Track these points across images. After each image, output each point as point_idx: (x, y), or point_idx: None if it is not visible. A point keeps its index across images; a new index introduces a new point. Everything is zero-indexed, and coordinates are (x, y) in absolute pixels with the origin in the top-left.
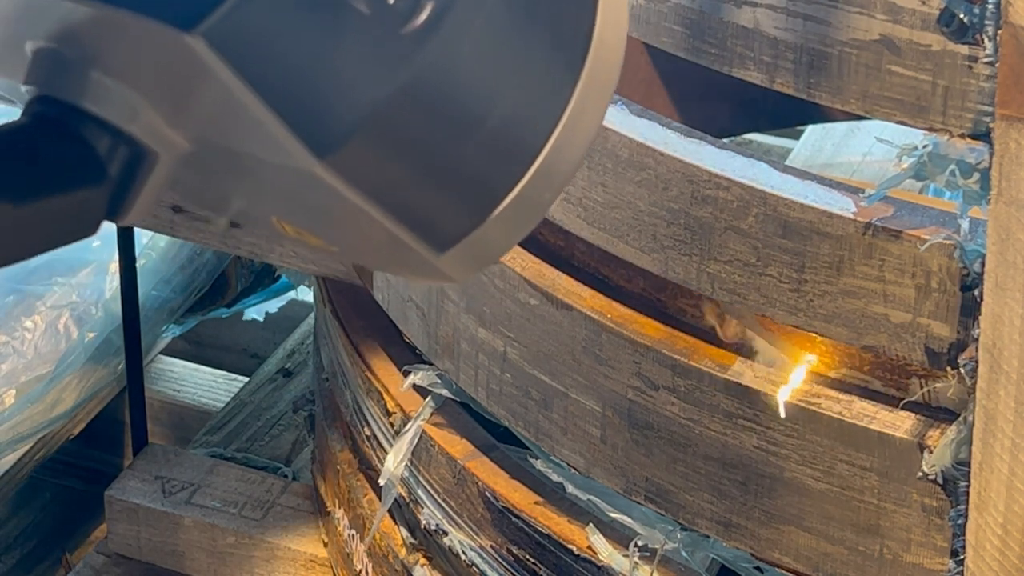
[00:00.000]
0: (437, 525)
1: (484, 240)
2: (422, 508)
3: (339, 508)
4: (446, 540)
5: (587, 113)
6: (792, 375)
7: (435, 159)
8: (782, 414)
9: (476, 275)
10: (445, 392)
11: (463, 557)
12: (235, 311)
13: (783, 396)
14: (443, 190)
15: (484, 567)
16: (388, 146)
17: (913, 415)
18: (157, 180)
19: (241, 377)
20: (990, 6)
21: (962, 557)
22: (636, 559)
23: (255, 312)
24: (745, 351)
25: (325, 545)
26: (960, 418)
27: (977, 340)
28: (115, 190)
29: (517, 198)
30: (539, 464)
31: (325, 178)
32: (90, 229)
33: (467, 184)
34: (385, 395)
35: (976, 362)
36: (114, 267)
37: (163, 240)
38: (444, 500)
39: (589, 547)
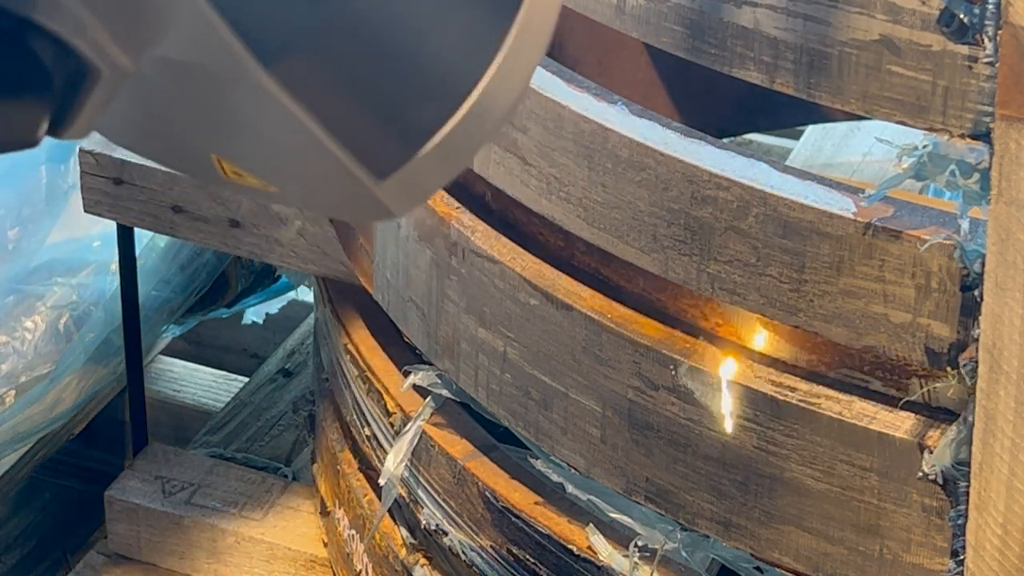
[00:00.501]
0: (437, 525)
1: (420, 172)
2: (422, 508)
3: (339, 508)
4: (446, 540)
5: (520, 60)
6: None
7: (371, 85)
8: (728, 428)
9: (413, 210)
10: (445, 392)
11: (463, 557)
12: (235, 311)
13: (727, 410)
14: (380, 117)
15: (484, 567)
16: (328, 65)
17: (913, 415)
18: (99, 97)
19: (241, 377)
20: (990, 6)
21: (962, 557)
22: (636, 559)
23: (253, 314)
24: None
25: (325, 545)
26: (960, 418)
27: (977, 340)
28: (59, 103)
29: (449, 135)
30: (539, 464)
31: (269, 87)
32: (32, 139)
33: (401, 114)
34: (385, 395)
35: (976, 362)
36: (114, 267)
37: (163, 240)
38: (444, 500)
39: (589, 547)
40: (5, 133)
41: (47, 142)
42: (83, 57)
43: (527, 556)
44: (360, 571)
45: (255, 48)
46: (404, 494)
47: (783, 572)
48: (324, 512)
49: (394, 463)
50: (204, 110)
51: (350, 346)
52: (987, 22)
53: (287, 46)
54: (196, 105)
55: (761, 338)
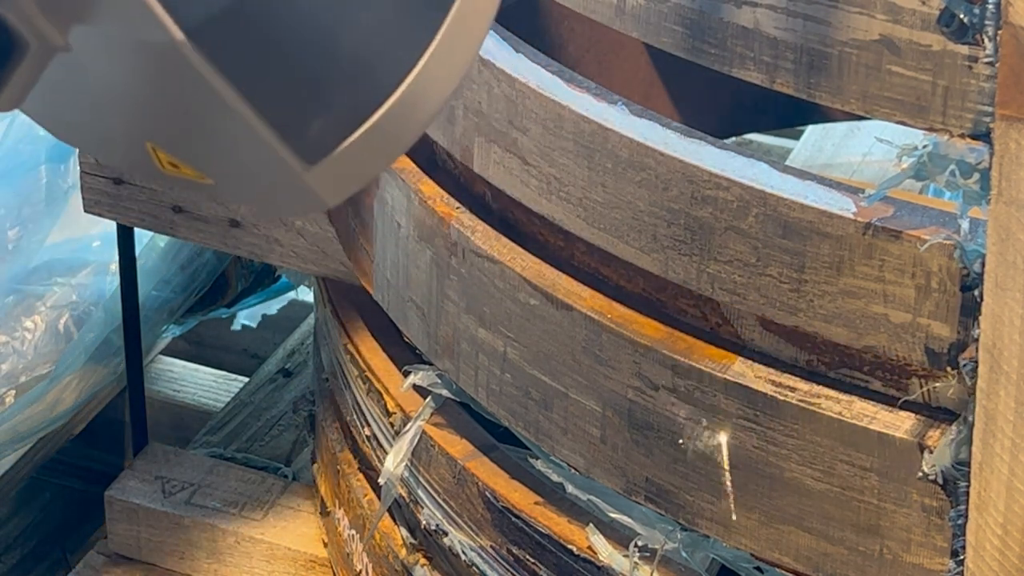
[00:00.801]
0: (437, 525)
1: (350, 159)
2: (422, 508)
3: (339, 508)
4: (446, 540)
5: (455, 50)
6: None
7: (299, 69)
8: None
9: (344, 198)
10: (445, 392)
11: (463, 557)
12: (235, 311)
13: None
14: (309, 101)
15: (484, 567)
16: (253, 44)
17: (913, 415)
18: (27, 71)
19: (241, 377)
20: (990, 6)
21: (962, 557)
22: (636, 559)
23: (245, 318)
24: None
25: (325, 545)
26: (960, 418)
27: (977, 340)
28: None
29: (379, 123)
30: (539, 464)
31: (191, 58)
32: None
33: (331, 101)
34: (385, 395)
35: (976, 362)
36: (114, 267)
37: (163, 240)
38: (444, 500)
39: (589, 547)
40: None
41: (47, 142)
42: (10, 28)
43: (527, 556)
44: (360, 571)
45: (178, 17)
46: (404, 494)
47: (783, 572)
48: (324, 512)
49: (394, 463)
50: (137, 93)
51: (350, 346)
52: (987, 22)
53: (210, 19)
54: (129, 88)
55: (761, 338)
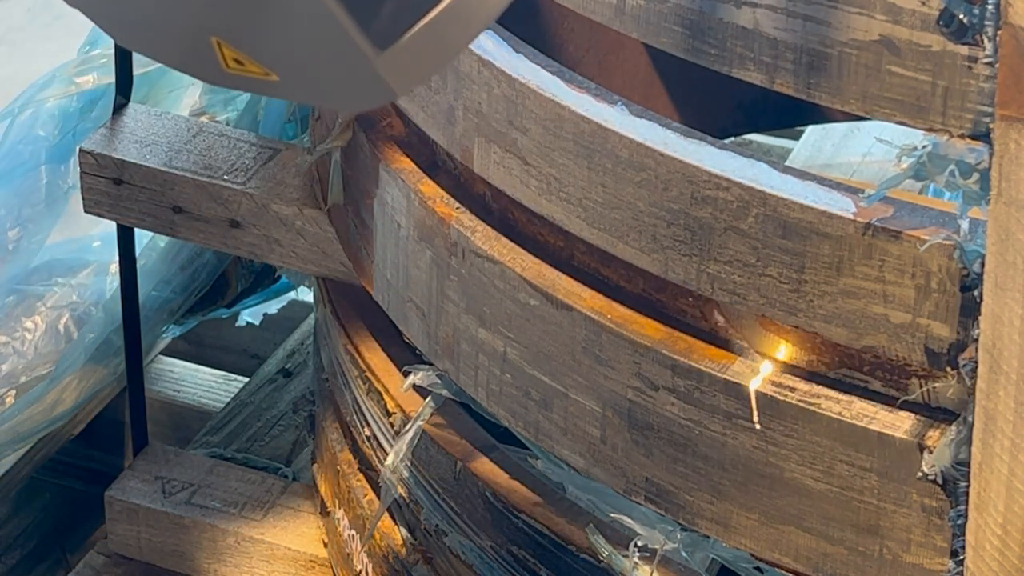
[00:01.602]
0: (437, 525)
1: (418, 46)
2: (422, 508)
3: (339, 508)
4: (446, 540)
5: None
6: (762, 366)
7: None
8: (755, 414)
9: (412, 88)
10: (445, 392)
11: (463, 557)
12: (235, 311)
13: (754, 386)
14: None
15: (484, 567)
16: None
17: (913, 415)
18: None
19: (241, 378)
20: (990, 6)
21: (962, 557)
22: (636, 559)
23: (248, 316)
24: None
25: (325, 545)
26: (960, 418)
27: (977, 340)
28: None
29: (445, 12)
30: (539, 464)
31: None
32: None
33: None
34: (385, 395)
35: (976, 362)
36: (114, 268)
37: (163, 241)
38: (444, 500)
39: (589, 547)
40: None
41: (47, 142)
42: None
43: (527, 556)
44: (360, 571)
45: None
46: (404, 494)
47: (783, 572)
48: (324, 512)
49: (394, 463)
50: None
51: (350, 346)
52: (987, 22)
53: None
54: None
55: (761, 338)
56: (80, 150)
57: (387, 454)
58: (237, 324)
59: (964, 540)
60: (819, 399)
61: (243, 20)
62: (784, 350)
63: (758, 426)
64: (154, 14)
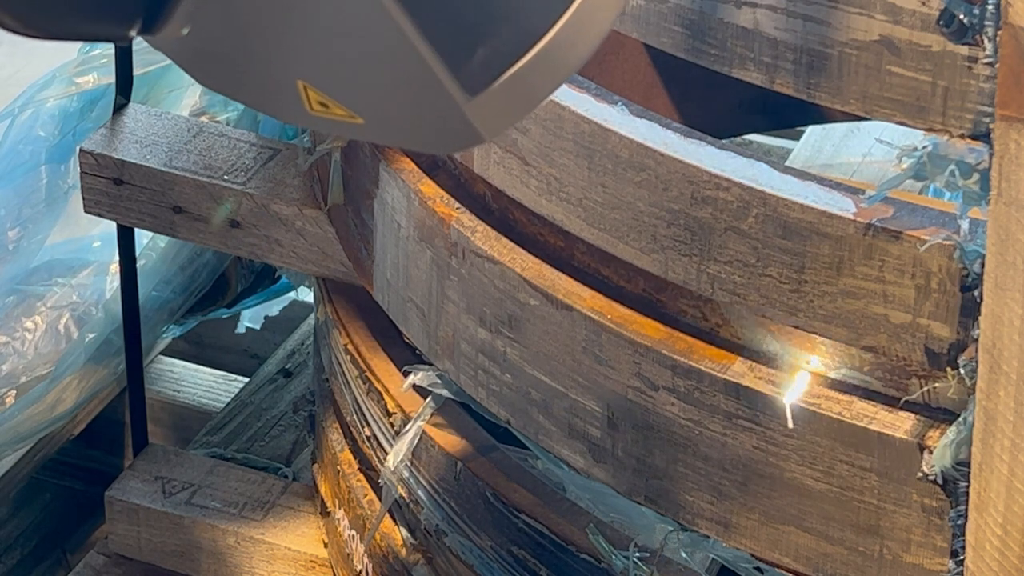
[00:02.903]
0: (437, 525)
1: (509, 91)
2: (422, 508)
3: (339, 508)
4: (446, 540)
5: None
6: (796, 378)
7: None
8: (790, 423)
9: (501, 132)
10: (445, 392)
11: (463, 557)
12: (235, 312)
13: (790, 400)
14: (473, 29)
15: (484, 567)
16: None
17: (913, 415)
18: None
19: (241, 378)
20: (990, 7)
21: (962, 557)
22: (636, 559)
23: (247, 320)
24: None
25: (325, 545)
26: (960, 418)
27: (977, 340)
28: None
29: (540, 54)
30: (539, 464)
31: None
32: (124, 34)
33: (494, 29)
34: (385, 395)
35: (976, 362)
36: (114, 268)
37: (163, 241)
38: (444, 500)
39: (589, 547)
40: (102, 20)
41: (47, 142)
42: None
43: (527, 556)
44: (360, 571)
45: None
46: (404, 494)
47: (783, 572)
48: (324, 512)
49: (394, 463)
50: (297, 26)
51: (350, 346)
52: (987, 22)
53: None
54: (289, 20)
55: (761, 338)
56: (80, 150)
57: (387, 454)
58: (238, 330)
59: (964, 540)
60: (819, 399)
61: (330, 64)
62: (815, 360)
63: (791, 425)
64: (239, 57)
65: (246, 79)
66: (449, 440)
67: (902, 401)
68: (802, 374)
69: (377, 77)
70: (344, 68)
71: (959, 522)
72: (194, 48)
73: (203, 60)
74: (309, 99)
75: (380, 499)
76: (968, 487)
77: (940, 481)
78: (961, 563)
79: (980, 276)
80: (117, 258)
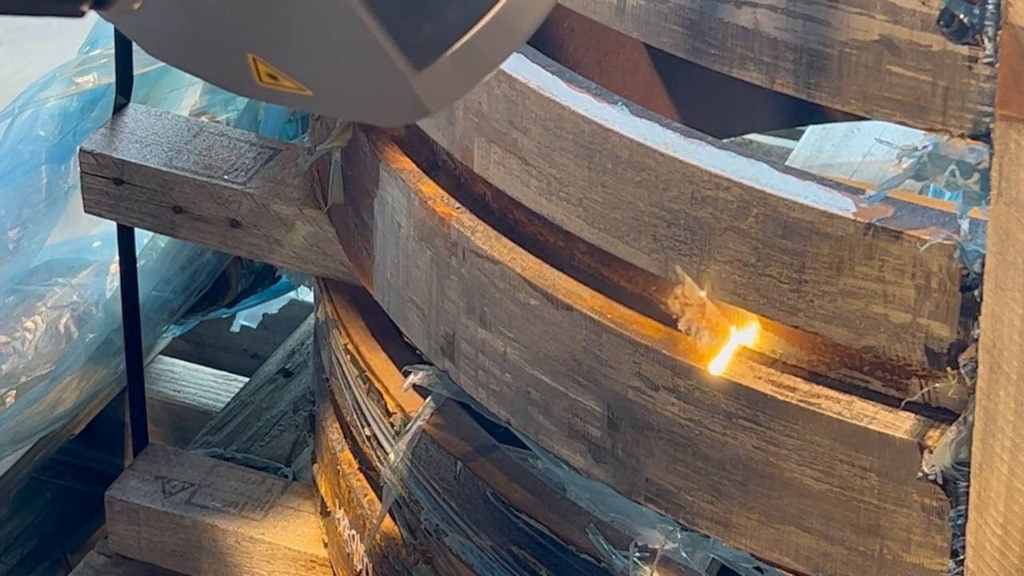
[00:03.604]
0: (437, 525)
1: (455, 65)
2: (422, 508)
3: (339, 508)
4: (446, 540)
5: None
6: (725, 347)
7: None
8: (716, 390)
9: (446, 105)
10: (445, 392)
11: (463, 557)
12: (235, 311)
13: (716, 369)
14: (420, 4)
15: (484, 567)
16: None
17: (913, 415)
18: None
19: (241, 377)
20: (990, 7)
21: (962, 557)
22: (636, 559)
23: (245, 318)
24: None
25: (325, 545)
26: (960, 418)
27: (977, 340)
28: None
29: (482, 32)
30: (539, 464)
31: None
32: (76, 9)
33: (440, 4)
34: (385, 395)
35: (976, 362)
36: (114, 268)
37: (163, 241)
38: (444, 500)
39: (589, 547)
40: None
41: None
42: None
43: (527, 556)
44: (360, 571)
45: None
46: (404, 494)
47: (783, 572)
48: (324, 512)
49: (394, 463)
50: (246, 1)
51: (350, 346)
52: (987, 22)
53: None
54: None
55: (761, 338)
56: (80, 150)
57: (387, 454)
58: (232, 328)
59: (964, 540)
60: (819, 399)
61: (279, 38)
62: (746, 334)
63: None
64: (190, 30)
65: (197, 52)
66: (449, 440)
67: (905, 403)
68: (730, 344)
69: (325, 52)
70: (293, 42)
71: (959, 522)
72: (146, 22)
73: (155, 34)
74: (259, 71)
75: (380, 499)
76: (968, 487)
77: (940, 481)
78: (961, 563)
79: (980, 276)
80: (117, 258)
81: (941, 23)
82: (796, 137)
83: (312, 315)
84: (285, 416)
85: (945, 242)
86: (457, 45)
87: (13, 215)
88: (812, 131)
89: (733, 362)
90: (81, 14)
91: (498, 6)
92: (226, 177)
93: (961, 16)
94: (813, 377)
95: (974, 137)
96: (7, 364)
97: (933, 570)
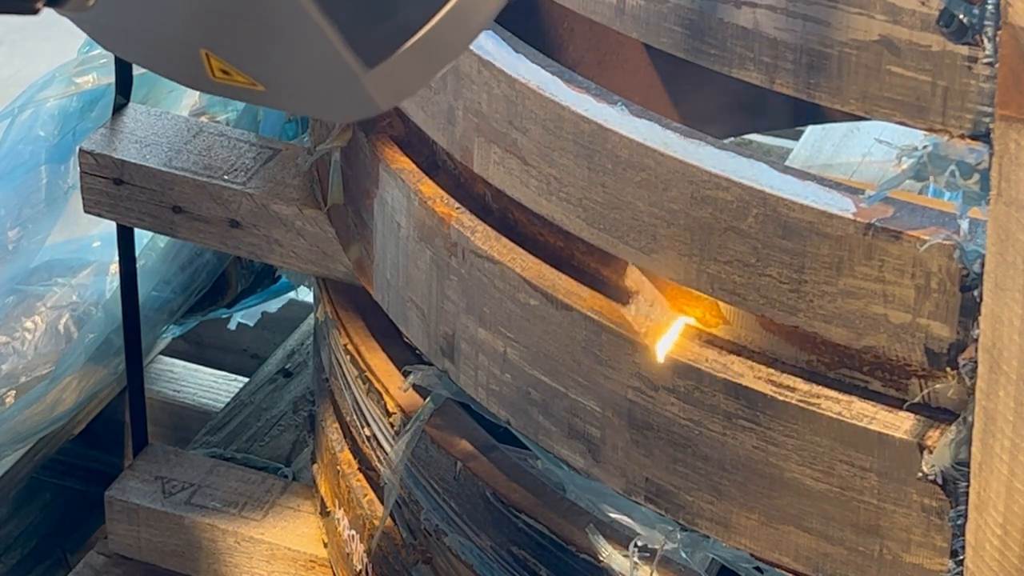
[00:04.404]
0: (437, 525)
1: (406, 64)
2: (422, 508)
3: (339, 508)
4: (446, 540)
5: None
6: (672, 325)
7: None
8: (660, 360)
9: (398, 103)
10: (445, 392)
11: (463, 557)
12: (235, 312)
13: (662, 348)
14: (371, 4)
15: (484, 567)
16: None
17: (913, 415)
18: None
19: (241, 377)
20: (990, 7)
21: (962, 557)
22: (636, 559)
23: (244, 318)
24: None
25: (325, 545)
26: (960, 418)
27: (977, 340)
28: None
29: (434, 31)
30: (539, 464)
31: None
32: (32, 6)
33: (392, 7)
34: (385, 395)
35: (976, 362)
36: (114, 268)
37: (163, 241)
38: (444, 500)
39: (589, 547)
40: None
41: (47, 142)
42: None
43: (527, 556)
44: (360, 571)
45: None
46: (404, 494)
47: (783, 572)
48: (324, 512)
49: (394, 463)
50: (202, 1)
51: (350, 346)
52: (987, 22)
53: None
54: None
55: (761, 338)
56: (80, 150)
57: (387, 454)
58: (229, 326)
59: (964, 540)
60: (819, 399)
61: (233, 36)
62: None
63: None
64: (146, 28)
65: (151, 48)
66: (449, 440)
67: (907, 404)
68: (677, 323)
69: (278, 49)
70: (245, 40)
71: (959, 522)
72: (101, 18)
73: (111, 30)
74: (212, 67)
75: (380, 499)
76: (968, 487)
77: (940, 481)
78: (961, 563)
79: (980, 276)
80: (117, 258)
81: (941, 23)
82: (796, 137)
83: (312, 315)
84: (285, 416)
85: (945, 242)
86: (409, 43)
87: (13, 215)
88: (812, 131)
89: (680, 342)
90: (35, 11)
91: (450, 3)
92: (226, 177)
93: (961, 16)
94: (813, 377)
95: (974, 137)
96: (7, 364)
97: (933, 570)
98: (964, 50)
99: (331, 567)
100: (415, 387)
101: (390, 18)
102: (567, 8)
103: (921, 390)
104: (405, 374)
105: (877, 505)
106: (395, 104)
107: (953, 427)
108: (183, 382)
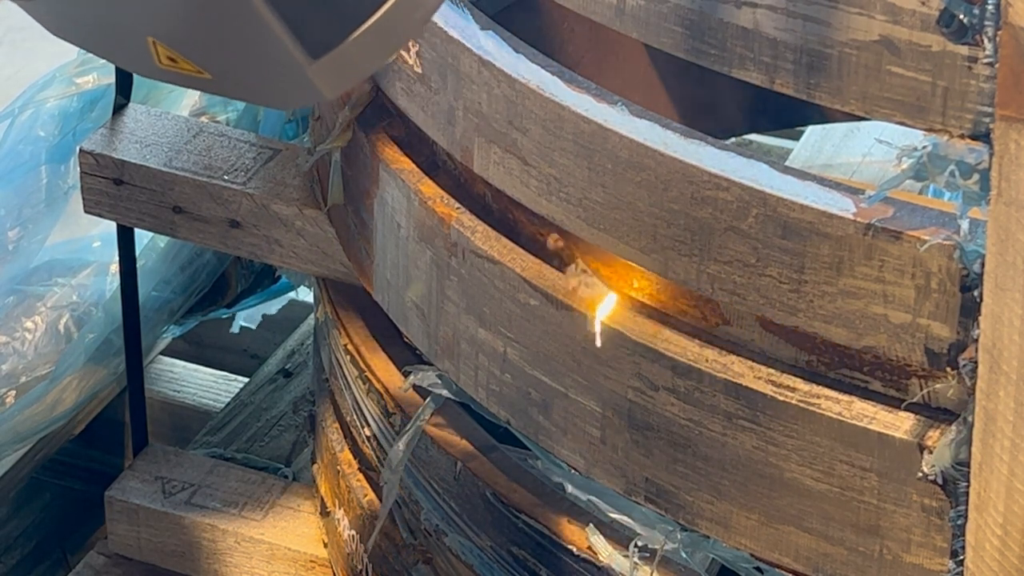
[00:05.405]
0: (437, 525)
1: (352, 54)
2: (422, 508)
3: (339, 508)
4: (446, 540)
5: None
6: (607, 298)
7: None
8: (598, 340)
9: (343, 92)
10: (445, 392)
11: (463, 557)
12: (235, 312)
13: (599, 317)
14: None
15: (484, 567)
16: None
17: (913, 415)
18: None
19: (241, 378)
20: (990, 7)
21: (962, 557)
22: (636, 559)
23: (245, 319)
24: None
25: (325, 545)
26: (960, 418)
27: (977, 340)
28: None
29: (381, 20)
30: (539, 464)
31: None
32: None
33: None
34: (385, 395)
35: (976, 362)
36: (114, 268)
37: (163, 241)
38: (444, 500)
39: (589, 547)
40: None
41: (47, 142)
42: None
43: (527, 556)
44: (360, 571)
45: None
46: (404, 494)
47: (783, 572)
48: (324, 512)
49: (394, 463)
50: None
51: (350, 346)
52: (987, 23)
53: None
54: None
55: (761, 338)
56: (80, 150)
57: (387, 454)
58: (232, 329)
59: (964, 540)
60: (819, 399)
61: (180, 25)
62: (635, 284)
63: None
64: (95, 15)
65: (100, 35)
66: (449, 440)
67: (906, 404)
68: (611, 296)
69: (223, 39)
70: (191, 29)
71: (959, 522)
72: (49, 5)
73: (59, 17)
74: (159, 54)
75: (380, 499)
76: (968, 487)
77: (940, 481)
78: (961, 563)
79: (980, 276)
80: (117, 258)
81: (941, 23)
82: (796, 137)
83: (312, 315)
84: (285, 416)
85: (945, 242)
86: (354, 35)
87: (13, 215)
88: (812, 131)
89: (617, 310)
90: None
91: None
92: (226, 177)
93: (961, 16)
94: (813, 377)
95: (974, 137)
96: (7, 364)
97: (933, 570)
98: (964, 50)
99: (331, 567)
100: (415, 387)
101: (337, 7)
102: (567, 8)
103: (921, 390)
104: (405, 374)
105: (877, 505)
106: (342, 92)
107: (953, 427)
108: (183, 382)
